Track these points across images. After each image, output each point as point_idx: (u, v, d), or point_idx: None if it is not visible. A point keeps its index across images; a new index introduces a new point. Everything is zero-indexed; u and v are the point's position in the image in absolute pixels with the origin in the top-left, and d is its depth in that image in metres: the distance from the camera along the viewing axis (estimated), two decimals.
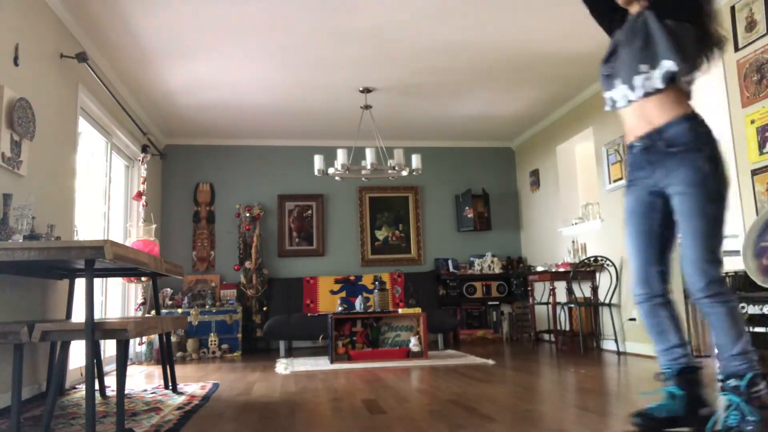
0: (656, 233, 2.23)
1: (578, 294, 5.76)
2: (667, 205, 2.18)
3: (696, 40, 2.13)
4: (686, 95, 2.17)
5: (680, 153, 2.09)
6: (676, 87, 2.13)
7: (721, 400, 2.04)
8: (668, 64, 2.08)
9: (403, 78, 5.29)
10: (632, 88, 2.18)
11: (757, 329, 3.12)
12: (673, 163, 2.11)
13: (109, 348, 4.81)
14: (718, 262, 2.05)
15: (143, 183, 5.67)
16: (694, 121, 2.12)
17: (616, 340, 5.24)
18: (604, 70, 2.33)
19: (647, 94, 2.15)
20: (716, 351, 2.10)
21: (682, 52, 2.08)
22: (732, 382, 2.00)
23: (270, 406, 3.03)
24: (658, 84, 2.12)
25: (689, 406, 2.10)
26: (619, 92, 2.24)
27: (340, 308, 5.40)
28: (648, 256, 2.25)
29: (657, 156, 2.15)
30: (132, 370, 4.98)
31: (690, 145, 2.09)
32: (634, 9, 2.25)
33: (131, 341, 5.40)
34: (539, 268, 6.27)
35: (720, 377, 2.05)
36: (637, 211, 2.26)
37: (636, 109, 2.20)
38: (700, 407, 2.09)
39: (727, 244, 6.25)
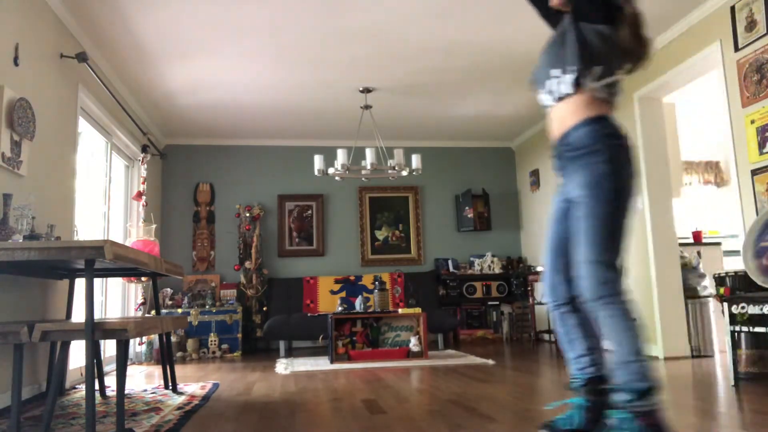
0: (563, 241, 2.15)
1: None
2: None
3: (614, 44, 2.06)
4: (603, 101, 2.07)
5: (578, 157, 2.04)
6: (587, 92, 2.06)
7: (609, 417, 1.90)
8: (572, 69, 2.05)
9: (403, 78, 5.29)
10: (549, 93, 2.15)
11: (757, 329, 3.12)
12: (573, 168, 2.06)
13: (109, 348, 4.81)
14: (610, 264, 1.95)
15: (143, 183, 5.67)
16: (596, 124, 2.03)
17: None
18: (531, 75, 2.28)
19: (559, 99, 2.11)
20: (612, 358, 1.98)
21: (586, 57, 2.04)
22: (622, 396, 1.88)
23: (270, 406, 3.03)
24: (567, 89, 2.07)
25: (595, 417, 2.00)
26: (541, 97, 2.21)
27: (340, 308, 5.40)
28: (555, 264, 2.18)
29: (563, 162, 2.12)
30: (132, 370, 4.98)
31: (588, 148, 2.02)
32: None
33: (131, 341, 5.40)
34: (539, 268, 6.27)
35: (612, 388, 1.93)
36: (552, 218, 2.24)
37: (553, 114, 2.17)
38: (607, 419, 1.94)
39: (729, 244, 6.18)
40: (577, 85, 2.06)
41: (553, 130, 2.17)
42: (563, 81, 2.08)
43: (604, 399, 2.01)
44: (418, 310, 5.35)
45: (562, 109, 2.11)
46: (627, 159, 2.01)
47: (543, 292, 2.24)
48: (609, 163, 1.98)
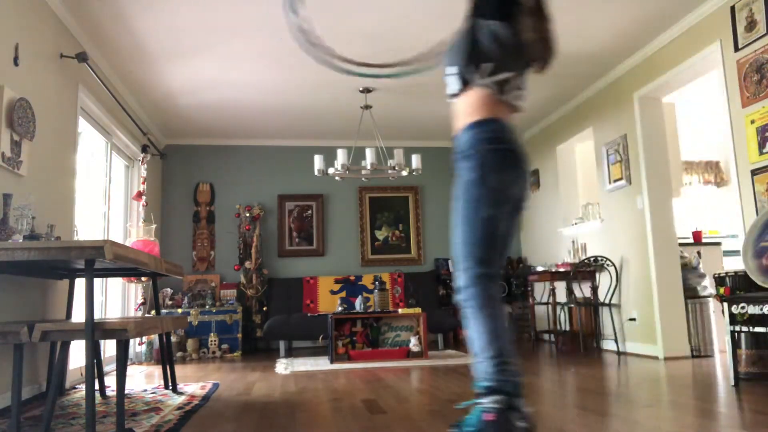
0: None
1: (578, 294, 5.76)
2: None
3: (507, 41, 2.00)
4: (496, 101, 2.02)
5: (457, 162, 2.02)
6: (476, 90, 2.00)
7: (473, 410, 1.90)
8: (460, 66, 2.02)
9: (404, 78, 5.28)
10: (448, 90, 2.11)
11: (757, 329, 3.12)
12: (457, 173, 2.03)
13: (109, 348, 4.81)
14: (468, 270, 1.95)
15: (143, 183, 5.67)
16: (476, 128, 1.98)
17: (616, 340, 5.23)
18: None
19: (453, 96, 2.09)
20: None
21: (474, 54, 1.99)
22: (477, 390, 1.90)
23: (270, 406, 3.03)
24: (455, 86, 2.05)
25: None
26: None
27: (340, 308, 5.40)
28: None
29: (454, 166, 2.07)
30: (132, 370, 4.98)
31: (463, 153, 1.99)
32: None
33: (131, 341, 5.40)
34: (539, 268, 6.27)
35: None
36: None
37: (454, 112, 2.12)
38: (514, 420, 1.84)
39: (729, 244, 6.18)
40: (464, 82, 2.01)
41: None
42: (453, 79, 2.05)
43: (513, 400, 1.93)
44: (418, 310, 5.35)
45: (456, 108, 2.07)
46: (499, 165, 1.95)
47: None
48: (476, 170, 1.94)
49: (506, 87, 2.01)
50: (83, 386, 3.75)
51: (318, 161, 5.38)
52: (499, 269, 2.03)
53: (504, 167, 1.95)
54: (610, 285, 5.39)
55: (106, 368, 4.53)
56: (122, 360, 2.49)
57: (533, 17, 2.02)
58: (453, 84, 2.05)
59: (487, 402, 1.84)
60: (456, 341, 6.75)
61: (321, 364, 4.90)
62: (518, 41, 2.00)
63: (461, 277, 1.97)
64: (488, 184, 1.93)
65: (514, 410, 1.82)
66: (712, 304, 4.84)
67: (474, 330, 1.92)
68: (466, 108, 2.03)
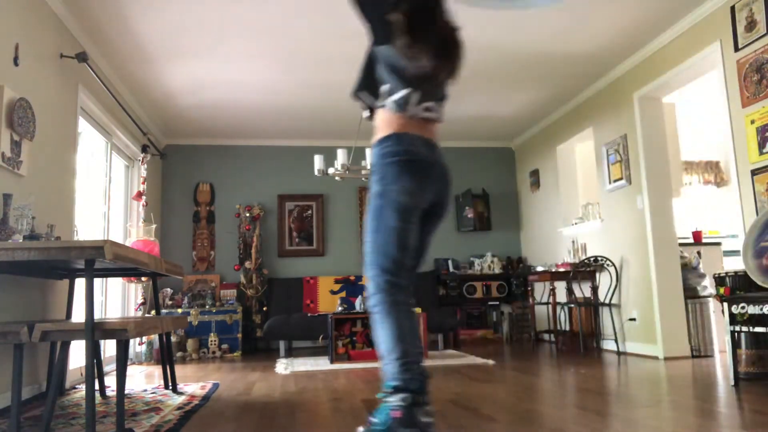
0: None
1: (578, 294, 5.76)
2: None
3: (391, 62, 2.10)
4: (400, 117, 2.12)
5: (370, 177, 2.18)
6: (380, 112, 2.17)
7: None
8: (361, 93, 2.24)
9: None
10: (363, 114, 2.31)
11: (757, 329, 3.12)
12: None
13: (109, 348, 4.81)
14: (372, 279, 2.08)
15: (143, 183, 5.67)
16: (378, 146, 2.13)
17: (616, 340, 5.24)
18: None
19: (369, 119, 2.28)
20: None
21: (369, 81, 2.19)
22: (385, 390, 1.99)
23: (270, 406, 3.03)
24: (365, 113, 2.27)
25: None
26: None
27: (340, 308, 5.40)
28: None
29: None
30: (132, 370, 4.98)
31: (371, 169, 2.15)
32: None
33: (131, 341, 5.40)
34: (539, 268, 6.27)
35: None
36: None
37: None
38: (419, 416, 1.91)
39: (729, 244, 6.17)
40: (370, 107, 2.22)
41: None
42: (361, 105, 2.26)
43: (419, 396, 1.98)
44: (418, 310, 5.35)
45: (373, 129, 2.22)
46: (397, 177, 2.05)
47: None
48: (378, 183, 2.08)
49: (407, 103, 2.11)
50: (83, 386, 3.75)
51: (318, 161, 5.38)
52: (408, 277, 2.16)
53: (402, 178, 2.05)
54: (610, 285, 5.39)
55: (106, 368, 4.53)
56: (122, 360, 2.50)
57: (405, 29, 2.07)
58: (364, 110, 2.27)
59: (393, 400, 1.93)
60: (456, 341, 6.75)
61: (321, 364, 4.90)
62: (404, 61, 2.07)
63: (369, 284, 2.09)
64: (389, 196, 2.05)
65: (419, 406, 1.92)
66: (712, 304, 4.84)
67: (380, 334, 2.03)
68: (376, 128, 2.18)
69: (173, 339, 5.47)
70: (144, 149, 5.72)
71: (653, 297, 4.78)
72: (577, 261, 5.79)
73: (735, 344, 3.32)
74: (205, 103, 5.76)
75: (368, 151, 5.25)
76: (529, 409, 2.77)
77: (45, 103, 3.63)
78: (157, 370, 4.86)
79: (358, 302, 5.45)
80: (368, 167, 5.26)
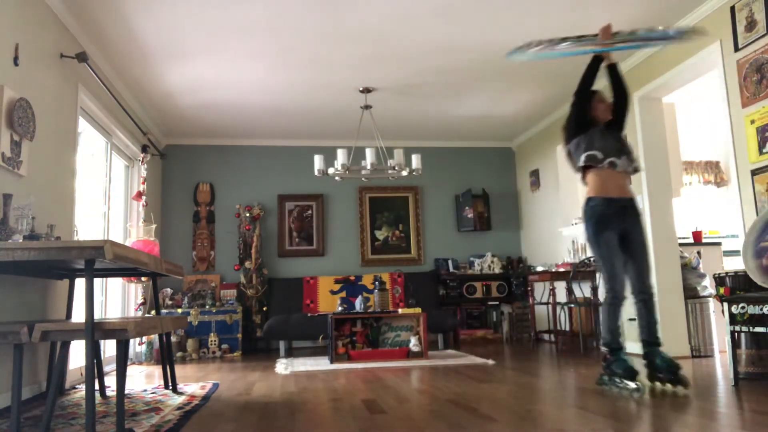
0: None
1: (578, 294, 5.76)
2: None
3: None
4: (589, 179, 3.41)
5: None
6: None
7: None
8: None
9: (403, 78, 5.29)
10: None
11: (757, 329, 3.12)
12: None
13: (109, 348, 4.81)
14: (606, 291, 3.32)
15: (143, 183, 5.67)
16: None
17: None
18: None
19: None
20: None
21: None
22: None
23: (270, 406, 3.03)
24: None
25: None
26: None
27: (340, 308, 5.40)
28: None
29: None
30: (132, 370, 4.98)
31: None
32: None
33: (131, 341, 5.40)
34: (539, 268, 6.27)
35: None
36: None
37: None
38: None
39: (729, 244, 6.16)
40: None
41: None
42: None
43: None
44: (418, 310, 5.35)
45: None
46: (587, 219, 3.36)
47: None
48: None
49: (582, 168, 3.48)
50: (83, 386, 3.75)
51: (318, 161, 5.38)
52: (619, 285, 3.23)
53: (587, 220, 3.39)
54: None
55: (106, 368, 4.53)
56: (122, 360, 2.50)
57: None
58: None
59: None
60: (456, 341, 6.75)
61: (321, 364, 4.90)
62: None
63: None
64: (587, 229, 3.36)
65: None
66: (712, 304, 4.84)
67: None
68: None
69: (173, 339, 5.47)
70: (144, 149, 5.72)
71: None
72: (577, 261, 5.79)
73: (735, 344, 3.31)
74: (205, 103, 5.76)
75: (368, 151, 5.25)
76: (529, 409, 2.77)
77: (45, 103, 3.63)
78: (157, 370, 4.86)
79: (358, 302, 5.44)
80: (368, 167, 5.26)
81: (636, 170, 3.35)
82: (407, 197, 7.38)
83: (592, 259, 5.46)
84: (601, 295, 5.53)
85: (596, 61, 3.42)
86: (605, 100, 3.47)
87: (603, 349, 3.29)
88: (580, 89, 3.43)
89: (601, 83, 3.50)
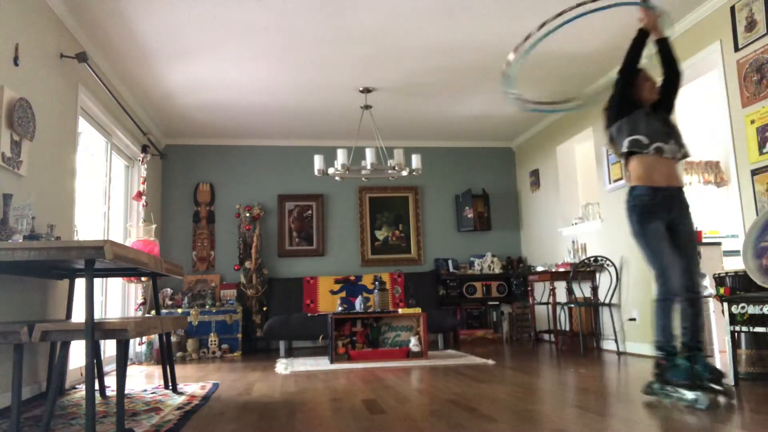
0: None
1: (578, 294, 5.76)
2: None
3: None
4: (632, 166, 3.07)
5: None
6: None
7: None
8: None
9: (403, 78, 5.29)
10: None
11: (757, 329, 3.12)
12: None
13: (109, 348, 4.81)
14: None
15: (143, 183, 5.67)
16: None
17: (616, 340, 5.23)
18: None
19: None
20: None
21: None
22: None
23: (270, 406, 3.03)
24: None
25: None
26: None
27: (340, 308, 5.40)
28: None
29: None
30: (132, 370, 4.98)
31: None
32: None
33: (131, 341, 5.40)
34: (539, 268, 6.27)
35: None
36: None
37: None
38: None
39: (729, 244, 6.18)
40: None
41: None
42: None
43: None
44: (418, 310, 5.35)
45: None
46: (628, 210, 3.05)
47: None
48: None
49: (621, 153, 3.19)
50: (83, 386, 3.75)
51: (318, 161, 5.38)
52: (673, 279, 2.89)
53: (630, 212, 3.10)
54: (610, 285, 5.39)
55: (106, 368, 4.53)
56: (122, 360, 2.50)
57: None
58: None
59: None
60: (456, 341, 6.76)
61: (321, 364, 4.90)
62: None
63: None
64: (631, 222, 3.06)
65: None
66: (712, 304, 4.84)
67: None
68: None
69: (173, 339, 5.47)
70: (144, 149, 5.72)
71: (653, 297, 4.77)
72: (577, 261, 5.79)
73: (735, 344, 3.31)
74: (205, 103, 5.76)
75: (368, 151, 5.25)
76: (529, 409, 2.77)
77: (45, 103, 3.63)
78: (157, 370, 4.86)
79: (358, 302, 5.44)
80: (368, 167, 5.26)
81: (685, 156, 3.03)
82: (407, 197, 7.38)
83: (592, 259, 5.46)
84: (601, 294, 5.55)
85: (642, 35, 3.09)
86: (652, 78, 3.14)
87: (656, 352, 2.95)
88: (625, 66, 3.10)
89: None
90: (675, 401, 2.73)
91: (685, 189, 3.05)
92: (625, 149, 3.03)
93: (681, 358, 2.84)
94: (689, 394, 2.68)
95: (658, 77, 3.14)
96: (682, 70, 3.16)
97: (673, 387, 2.78)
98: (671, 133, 3.01)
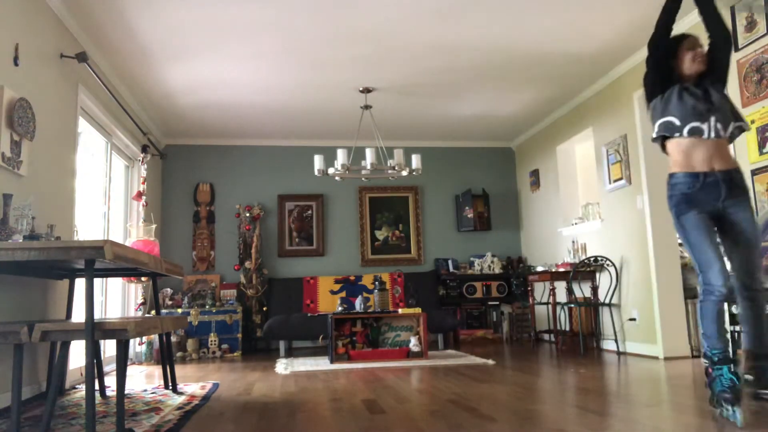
0: None
1: (578, 294, 5.76)
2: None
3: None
4: (669, 150, 2.74)
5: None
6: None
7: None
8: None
9: (403, 78, 5.29)
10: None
11: None
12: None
13: (109, 348, 4.81)
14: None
15: (143, 183, 5.67)
16: None
17: (616, 340, 5.24)
18: None
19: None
20: None
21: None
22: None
23: (270, 406, 3.03)
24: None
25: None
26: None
27: (340, 308, 5.40)
28: None
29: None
30: (132, 370, 4.98)
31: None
32: None
33: (131, 341, 5.40)
34: (539, 268, 6.27)
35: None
36: None
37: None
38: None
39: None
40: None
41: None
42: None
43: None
44: (418, 310, 5.35)
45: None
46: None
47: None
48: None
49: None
50: (83, 386, 3.75)
51: (318, 161, 5.38)
52: (715, 276, 2.53)
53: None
54: (610, 285, 5.39)
55: (106, 368, 4.53)
56: (122, 360, 2.50)
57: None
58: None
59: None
60: (456, 341, 6.76)
61: (321, 364, 4.90)
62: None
63: None
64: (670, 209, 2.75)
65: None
66: None
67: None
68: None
69: (173, 339, 5.48)
70: (144, 149, 5.72)
71: (653, 297, 4.78)
72: (577, 261, 5.79)
73: (735, 344, 3.31)
74: (205, 103, 5.77)
75: (368, 151, 5.25)
76: (529, 409, 2.77)
77: (45, 103, 3.63)
78: (157, 370, 4.86)
79: (358, 302, 5.44)
80: (368, 167, 5.26)
81: (741, 130, 2.63)
82: (407, 197, 7.38)
83: (592, 259, 5.47)
84: (601, 294, 5.55)
85: None
86: (696, 46, 2.72)
87: (703, 361, 2.60)
88: (655, 34, 2.76)
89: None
90: (727, 418, 2.41)
91: (739, 171, 2.64)
92: (654, 134, 2.73)
93: (725, 367, 2.48)
94: (730, 409, 2.38)
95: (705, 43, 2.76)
96: (729, 33, 2.76)
97: (717, 402, 2.47)
98: (713, 109, 2.60)
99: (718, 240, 2.62)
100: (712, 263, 2.52)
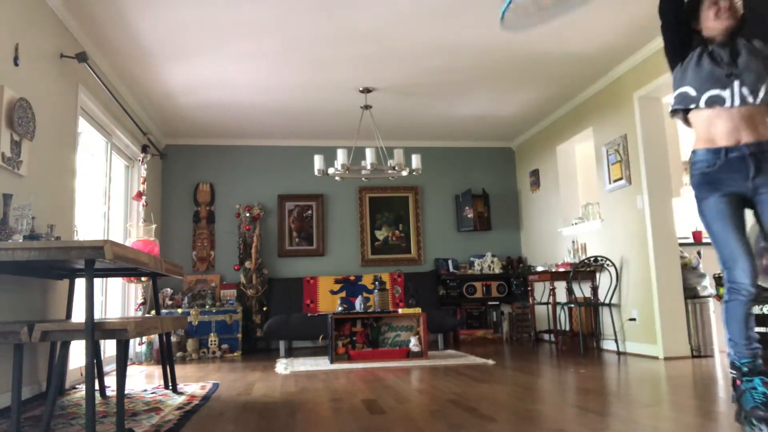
0: None
1: (578, 294, 5.76)
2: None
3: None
4: (692, 123, 2.40)
5: None
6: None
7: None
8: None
9: (403, 78, 5.29)
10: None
11: (758, 329, 3.12)
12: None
13: (109, 348, 4.81)
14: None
15: (143, 183, 5.67)
16: None
17: (616, 340, 5.24)
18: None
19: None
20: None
21: None
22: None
23: (270, 406, 3.03)
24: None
25: None
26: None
27: (340, 308, 5.40)
28: None
29: None
30: (132, 370, 4.98)
31: None
32: None
33: (131, 341, 5.40)
34: (539, 268, 6.27)
35: None
36: None
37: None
38: None
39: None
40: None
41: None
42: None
43: None
44: (418, 310, 5.35)
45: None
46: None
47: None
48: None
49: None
50: (83, 386, 3.75)
51: (318, 161, 5.38)
52: (741, 272, 2.24)
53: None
54: (610, 285, 5.39)
55: (106, 368, 4.53)
56: (122, 360, 2.50)
57: None
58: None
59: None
60: (456, 341, 6.76)
61: (321, 364, 4.90)
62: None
63: None
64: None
65: None
66: (712, 304, 4.85)
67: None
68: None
69: (173, 339, 5.48)
70: (144, 149, 5.72)
71: (653, 297, 4.78)
72: (577, 261, 5.79)
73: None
74: (205, 103, 5.77)
75: (368, 151, 5.25)
76: (529, 409, 2.77)
77: (45, 103, 3.63)
78: (157, 370, 4.86)
79: (358, 302, 5.44)
80: (368, 167, 5.26)
81: None
82: (407, 197, 7.38)
83: (592, 259, 5.46)
84: (601, 294, 5.55)
85: None
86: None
87: (730, 372, 2.24)
88: None
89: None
90: None
91: None
92: (671, 107, 2.43)
93: (757, 379, 2.12)
94: (764, 429, 2.03)
95: None
96: None
97: (746, 418, 2.10)
98: (737, 72, 2.23)
99: (757, 226, 2.25)
100: (737, 258, 2.23)
